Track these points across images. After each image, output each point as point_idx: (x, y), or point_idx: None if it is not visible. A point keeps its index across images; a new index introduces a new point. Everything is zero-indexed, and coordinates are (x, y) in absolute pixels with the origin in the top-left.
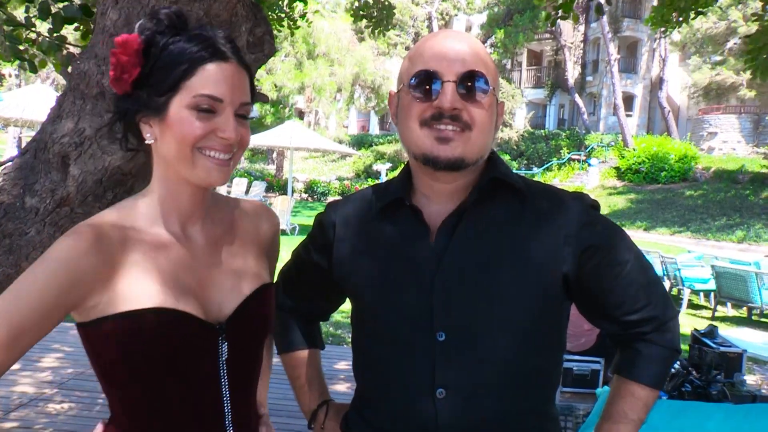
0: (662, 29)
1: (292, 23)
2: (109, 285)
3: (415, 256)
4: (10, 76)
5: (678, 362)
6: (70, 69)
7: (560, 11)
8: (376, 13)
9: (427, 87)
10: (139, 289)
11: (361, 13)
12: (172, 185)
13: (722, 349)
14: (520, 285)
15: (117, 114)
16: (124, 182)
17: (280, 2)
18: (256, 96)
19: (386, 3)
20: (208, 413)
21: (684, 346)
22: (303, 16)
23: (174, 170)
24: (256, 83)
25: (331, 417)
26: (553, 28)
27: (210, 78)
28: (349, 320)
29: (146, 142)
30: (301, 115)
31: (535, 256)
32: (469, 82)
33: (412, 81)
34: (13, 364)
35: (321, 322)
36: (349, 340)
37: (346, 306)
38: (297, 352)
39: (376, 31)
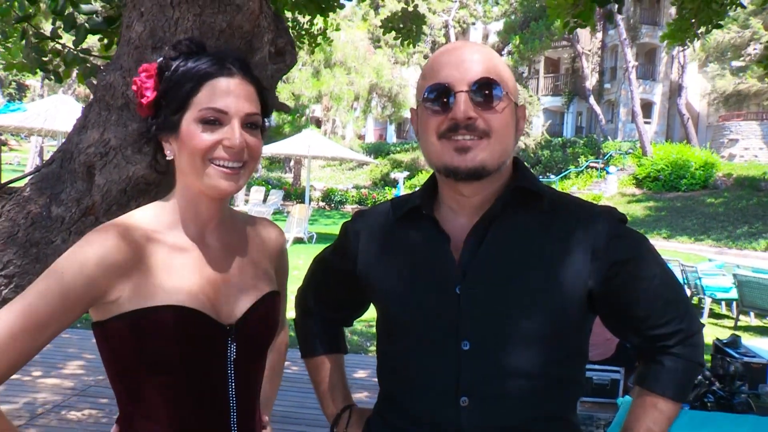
0: (680, 44)
1: (312, 40)
2: (131, 281)
3: (439, 265)
4: (29, 87)
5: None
6: (95, 80)
7: (578, 19)
8: (404, 25)
9: (442, 100)
10: (158, 287)
11: (390, 25)
12: (190, 195)
13: (746, 359)
14: (545, 297)
15: (143, 135)
16: (147, 191)
17: (300, 19)
18: (278, 106)
19: (416, 13)
20: (216, 411)
21: (706, 356)
22: (323, 33)
23: (191, 182)
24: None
25: (354, 422)
26: (571, 36)
27: (215, 92)
28: (369, 329)
29: (167, 158)
30: (318, 123)
31: (562, 269)
32: (482, 90)
33: (426, 95)
34: (37, 353)
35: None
36: (369, 348)
37: (366, 315)
38: (320, 357)
39: (406, 42)
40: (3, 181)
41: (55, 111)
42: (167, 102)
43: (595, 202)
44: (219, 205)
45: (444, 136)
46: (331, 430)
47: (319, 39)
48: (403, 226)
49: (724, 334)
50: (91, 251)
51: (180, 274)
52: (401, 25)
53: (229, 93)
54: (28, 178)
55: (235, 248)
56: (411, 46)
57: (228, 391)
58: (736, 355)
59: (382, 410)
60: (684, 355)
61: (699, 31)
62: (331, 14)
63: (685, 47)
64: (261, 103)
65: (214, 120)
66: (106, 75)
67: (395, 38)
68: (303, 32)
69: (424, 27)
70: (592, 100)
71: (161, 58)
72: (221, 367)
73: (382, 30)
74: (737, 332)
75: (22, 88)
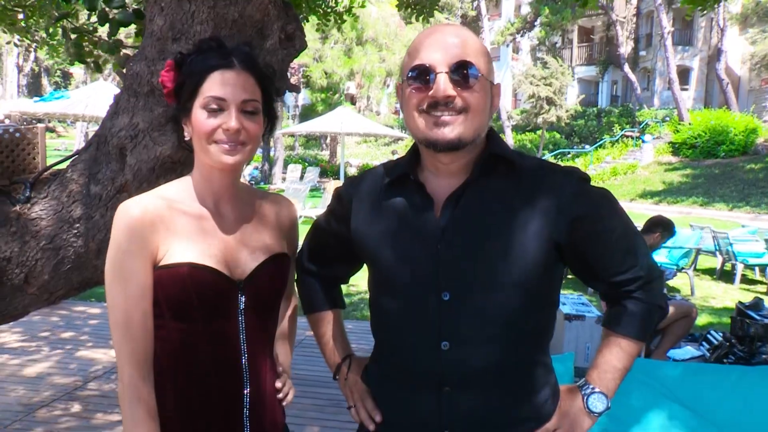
0: (699, 8)
1: (338, 17)
2: (163, 242)
3: (422, 225)
4: (73, 75)
5: (721, 334)
6: (125, 70)
7: None
8: (418, 2)
9: (424, 78)
10: (180, 247)
11: (405, 3)
12: (204, 170)
13: (766, 321)
14: (516, 250)
15: (170, 119)
16: (174, 169)
17: None
18: (290, 87)
19: None
20: (228, 353)
21: (725, 320)
22: (348, 10)
23: (202, 158)
24: (305, 70)
25: (353, 369)
26: (605, 2)
27: (216, 83)
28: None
29: (186, 138)
30: (353, 100)
31: (530, 224)
32: (460, 70)
33: (410, 74)
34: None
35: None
36: (353, 314)
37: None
38: (321, 313)
39: (420, 18)
40: (48, 164)
41: (96, 97)
42: (183, 91)
43: (560, 164)
44: (230, 179)
45: (425, 112)
46: (334, 377)
47: (345, 16)
48: (392, 190)
49: None
50: (130, 214)
51: (197, 237)
52: (416, 4)
53: (228, 84)
54: (70, 160)
55: (248, 217)
56: (426, 22)
57: (239, 336)
58: (757, 317)
59: (376, 357)
60: (644, 299)
61: None
62: None
63: (704, 12)
64: (263, 89)
65: (215, 106)
66: (132, 65)
67: (409, 15)
68: (329, 10)
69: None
70: (626, 68)
71: (177, 54)
72: (233, 316)
73: (397, 8)
74: None
75: (66, 77)
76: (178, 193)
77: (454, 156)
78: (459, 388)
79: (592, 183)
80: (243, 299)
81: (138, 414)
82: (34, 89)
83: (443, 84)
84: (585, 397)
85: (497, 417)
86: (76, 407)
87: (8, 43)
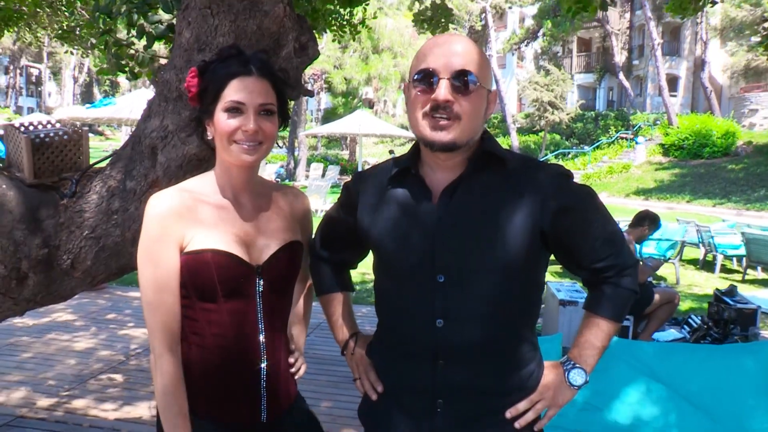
0: (680, 17)
1: (352, 29)
2: (188, 231)
3: (421, 214)
4: (120, 84)
5: (699, 318)
6: (156, 78)
7: (580, 5)
8: (432, 14)
9: (428, 81)
10: (204, 235)
11: (421, 18)
12: (224, 166)
13: (739, 306)
14: (504, 237)
15: (194, 121)
16: (200, 166)
17: (341, 11)
18: (305, 92)
19: (442, 4)
20: (247, 331)
21: (704, 305)
22: (362, 22)
23: (223, 156)
24: (326, 76)
25: (359, 345)
26: (601, 16)
27: (235, 88)
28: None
29: (208, 137)
30: (371, 104)
31: (517, 214)
32: (461, 77)
33: (416, 77)
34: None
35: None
36: (367, 299)
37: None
38: (331, 294)
39: (436, 32)
40: (91, 163)
41: (139, 103)
42: (206, 95)
43: (546, 162)
44: (247, 173)
45: (427, 115)
46: (341, 352)
47: (359, 28)
48: (395, 183)
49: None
50: (159, 205)
51: (219, 226)
52: (428, 13)
53: (246, 89)
54: (109, 159)
55: (265, 208)
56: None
57: (257, 315)
58: (731, 303)
59: (379, 334)
60: (620, 284)
61: (700, 3)
62: (368, 3)
63: (684, 19)
64: (277, 93)
65: (235, 109)
66: (163, 73)
67: (426, 29)
68: (344, 23)
69: (460, 13)
70: (621, 76)
71: (201, 62)
72: (252, 298)
73: (413, 22)
74: (745, 285)
75: (114, 85)
76: (201, 187)
77: (449, 155)
78: (452, 362)
79: (590, 180)
80: (261, 282)
81: (166, 381)
82: (86, 97)
83: (444, 89)
84: (566, 372)
85: (486, 388)
86: (119, 379)
87: (66, 52)
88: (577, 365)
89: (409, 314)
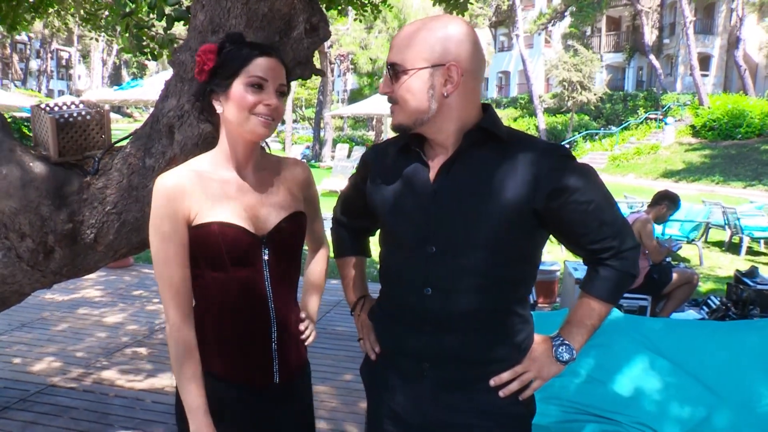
0: None
1: (374, 8)
2: (194, 206)
3: (419, 187)
4: (147, 66)
5: (718, 299)
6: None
7: None
8: None
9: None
10: (209, 210)
11: None
12: (231, 141)
13: (759, 287)
14: (494, 213)
15: (196, 95)
16: (214, 144)
17: None
18: (315, 71)
19: None
20: (256, 298)
21: (722, 286)
22: (384, 1)
23: (233, 130)
24: (353, 57)
25: (366, 308)
26: None
27: (260, 65)
28: None
29: (217, 112)
30: None
31: (509, 191)
32: (392, 68)
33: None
34: (189, 279)
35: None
36: None
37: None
38: (346, 258)
39: (455, 11)
40: (113, 141)
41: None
42: (223, 70)
43: (545, 140)
44: (252, 148)
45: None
46: (351, 312)
47: (381, 7)
48: (399, 158)
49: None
50: (166, 184)
51: (224, 200)
52: None
53: (269, 67)
54: (129, 138)
55: (268, 180)
56: (461, 14)
57: (265, 283)
58: (751, 284)
59: (379, 299)
60: (617, 267)
61: None
62: None
63: None
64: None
65: (258, 85)
66: (179, 55)
67: (445, 9)
68: (366, 1)
69: None
70: (651, 55)
71: (222, 40)
72: (259, 266)
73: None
74: None
75: (142, 68)
76: (206, 164)
77: (421, 135)
78: (438, 329)
79: (617, 162)
80: (266, 252)
81: (180, 348)
82: (115, 79)
83: (383, 81)
84: (555, 347)
85: (470, 356)
86: (144, 352)
87: (91, 39)
88: (566, 342)
89: (402, 281)
